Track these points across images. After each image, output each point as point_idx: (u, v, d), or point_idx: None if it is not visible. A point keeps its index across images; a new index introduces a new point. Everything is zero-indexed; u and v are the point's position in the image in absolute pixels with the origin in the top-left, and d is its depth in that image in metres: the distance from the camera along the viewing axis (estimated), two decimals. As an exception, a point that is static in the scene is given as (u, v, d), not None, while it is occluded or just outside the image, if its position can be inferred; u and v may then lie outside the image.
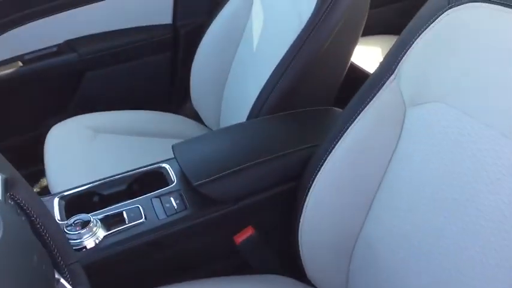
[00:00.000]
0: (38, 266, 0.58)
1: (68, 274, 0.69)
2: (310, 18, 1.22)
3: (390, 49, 0.97)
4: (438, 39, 0.88)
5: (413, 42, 0.91)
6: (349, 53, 1.34)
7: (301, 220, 1.04)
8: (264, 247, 1.11)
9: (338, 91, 1.39)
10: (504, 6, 0.79)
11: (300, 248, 1.07)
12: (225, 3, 1.58)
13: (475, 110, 0.82)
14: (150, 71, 1.82)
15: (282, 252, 1.12)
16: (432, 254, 0.86)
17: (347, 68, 1.37)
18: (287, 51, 1.25)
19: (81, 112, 1.64)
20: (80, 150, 1.48)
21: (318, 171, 1.01)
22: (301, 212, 1.04)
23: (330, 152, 1.00)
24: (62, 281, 0.65)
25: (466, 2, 0.84)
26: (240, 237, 1.08)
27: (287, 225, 1.07)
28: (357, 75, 1.68)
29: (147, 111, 1.72)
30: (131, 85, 1.81)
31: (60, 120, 1.59)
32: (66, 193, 1.10)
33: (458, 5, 0.85)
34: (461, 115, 0.84)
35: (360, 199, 0.99)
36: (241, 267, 1.13)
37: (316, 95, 1.31)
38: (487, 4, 0.82)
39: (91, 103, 1.73)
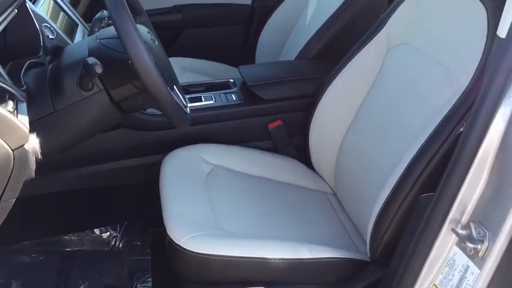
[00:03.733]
0: (169, 63, 1.19)
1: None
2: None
3: (385, 11, 1.52)
4: (413, 4, 1.42)
5: (398, 6, 1.47)
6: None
7: (312, 120, 1.60)
8: (287, 136, 1.68)
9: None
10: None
11: (310, 140, 1.62)
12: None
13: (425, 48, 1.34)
14: (229, 36, 2.45)
15: (299, 145, 1.68)
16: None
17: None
18: (328, 19, 1.83)
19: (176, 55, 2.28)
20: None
21: (326, 89, 1.58)
22: (313, 114, 1.60)
23: (334, 77, 1.57)
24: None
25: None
26: (272, 125, 1.65)
27: (304, 123, 1.63)
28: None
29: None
30: (215, 43, 2.44)
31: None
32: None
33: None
34: (418, 52, 1.37)
35: (350, 109, 1.54)
36: (271, 151, 1.69)
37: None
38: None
39: (184, 50, 2.36)
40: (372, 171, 1.36)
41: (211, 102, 1.64)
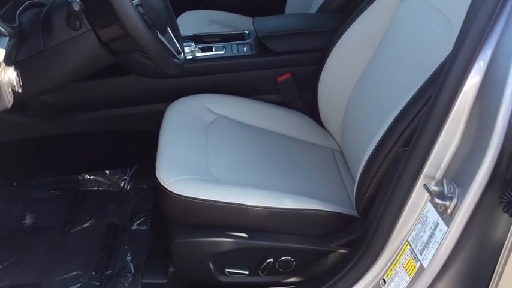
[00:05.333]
0: (164, 7, 1.20)
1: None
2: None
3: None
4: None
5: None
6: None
7: (321, 74, 1.57)
8: (296, 90, 1.65)
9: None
10: None
11: (319, 95, 1.59)
12: None
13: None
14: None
15: (309, 100, 1.65)
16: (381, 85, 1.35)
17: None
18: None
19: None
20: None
21: (336, 42, 1.53)
22: (323, 68, 1.56)
23: (345, 31, 1.52)
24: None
25: None
26: (281, 78, 1.63)
27: (315, 78, 1.59)
28: None
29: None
30: None
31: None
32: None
33: None
34: (427, 4, 1.30)
35: (360, 62, 1.49)
36: (280, 105, 1.68)
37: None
38: None
39: (215, 3, 2.34)
40: (369, 127, 1.32)
41: (221, 52, 1.64)
